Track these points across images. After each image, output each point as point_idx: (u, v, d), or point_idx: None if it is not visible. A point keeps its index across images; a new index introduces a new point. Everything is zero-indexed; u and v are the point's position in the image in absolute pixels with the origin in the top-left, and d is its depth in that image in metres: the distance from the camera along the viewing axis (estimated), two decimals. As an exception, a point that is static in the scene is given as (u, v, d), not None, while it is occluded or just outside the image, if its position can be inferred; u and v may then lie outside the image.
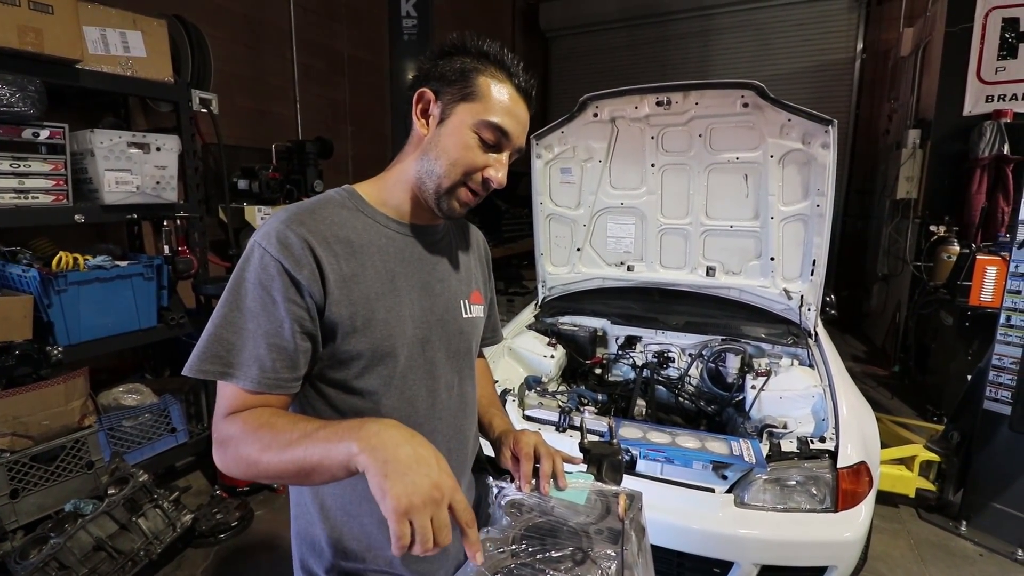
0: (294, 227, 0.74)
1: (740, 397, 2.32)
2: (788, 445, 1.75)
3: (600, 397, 2.45)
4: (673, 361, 2.71)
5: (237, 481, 2.66)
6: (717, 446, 1.71)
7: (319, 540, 0.85)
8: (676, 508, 1.67)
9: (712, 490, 1.70)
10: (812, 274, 2.44)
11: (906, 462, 2.66)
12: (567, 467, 0.90)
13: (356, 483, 0.83)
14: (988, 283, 3.03)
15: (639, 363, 2.72)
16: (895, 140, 5.00)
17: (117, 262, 2.28)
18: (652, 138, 2.56)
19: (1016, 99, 3.74)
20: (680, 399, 2.56)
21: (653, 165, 2.61)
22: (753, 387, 2.17)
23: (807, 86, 6.13)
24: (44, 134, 2.03)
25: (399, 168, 0.86)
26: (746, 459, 1.63)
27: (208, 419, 2.77)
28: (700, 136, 2.47)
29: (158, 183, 2.36)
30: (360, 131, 4.67)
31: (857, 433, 1.79)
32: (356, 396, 0.80)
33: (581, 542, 0.76)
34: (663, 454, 1.70)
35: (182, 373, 0.73)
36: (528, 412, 2.03)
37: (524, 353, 2.58)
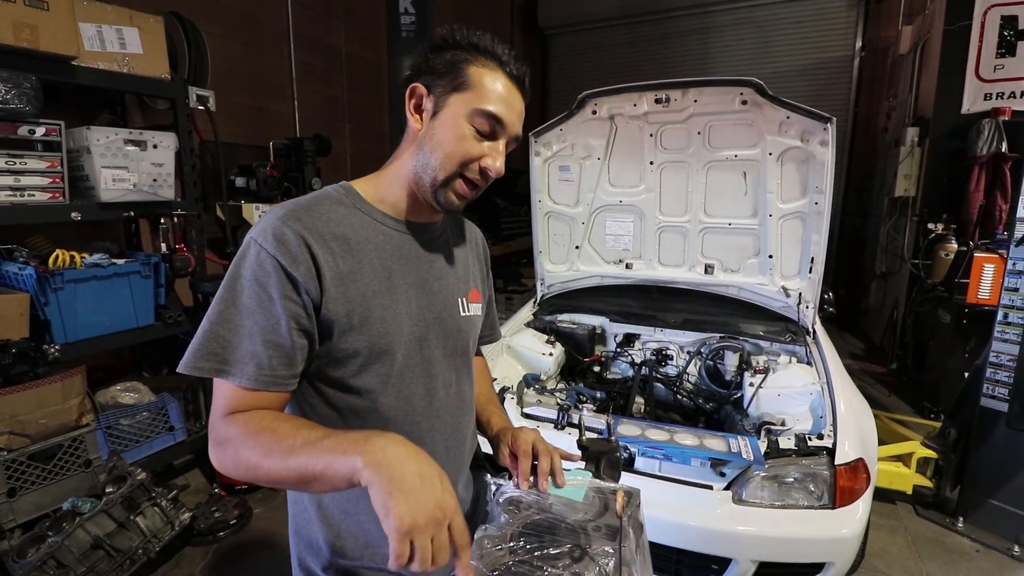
0: (291, 223, 0.74)
1: (738, 394, 2.33)
2: (786, 442, 1.75)
3: (599, 395, 2.45)
4: (672, 359, 2.71)
5: (235, 479, 2.65)
6: (715, 443, 1.71)
7: (317, 538, 0.85)
8: (674, 505, 1.67)
9: (710, 487, 1.70)
10: (810, 272, 2.44)
11: (903, 459, 2.67)
12: (565, 464, 0.90)
13: None
14: (986, 281, 3.04)
15: (638, 361, 2.72)
16: (893, 138, 5.00)
17: (114, 260, 2.27)
18: (651, 135, 2.56)
19: (1015, 97, 3.74)
20: (678, 396, 2.56)
21: (652, 163, 2.61)
22: (751, 384, 2.18)
23: (806, 84, 6.13)
24: (40, 131, 2.02)
25: (395, 165, 0.85)
26: (744, 456, 1.63)
27: (206, 417, 2.75)
28: (699, 133, 2.47)
29: (155, 180, 2.35)
30: (358, 129, 4.66)
31: (855, 430, 1.79)
32: (354, 395, 0.80)
33: (579, 539, 0.76)
34: (661, 451, 1.70)
35: (177, 370, 0.72)
36: (526, 410, 2.03)
37: (523, 351, 2.58)
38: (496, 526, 0.78)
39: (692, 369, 2.64)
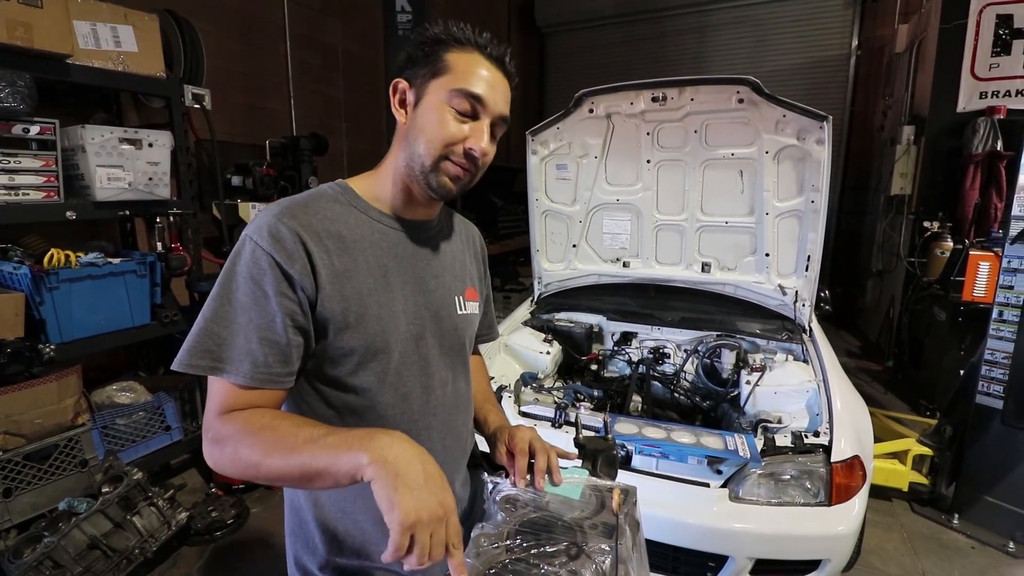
0: (286, 220, 0.74)
1: (735, 392, 2.33)
2: (782, 440, 1.75)
3: (596, 393, 2.46)
4: (669, 357, 2.72)
5: (233, 479, 2.65)
6: (712, 441, 1.71)
7: (313, 537, 0.85)
8: (671, 503, 1.68)
9: (707, 485, 1.71)
10: (807, 270, 2.45)
11: (899, 456, 2.68)
12: (562, 462, 0.90)
13: None
14: (981, 278, 3.05)
15: (635, 359, 2.73)
16: (889, 136, 5.01)
17: (110, 259, 2.26)
18: (648, 134, 2.56)
19: (1009, 95, 3.75)
20: (675, 395, 2.57)
21: (649, 161, 2.61)
22: (748, 382, 2.18)
23: (802, 82, 6.14)
24: (34, 130, 2.01)
25: (388, 162, 0.85)
26: (741, 454, 1.64)
27: (203, 417, 2.75)
28: (696, 132, 2.47)
29: (150, 179, 2.34)
30: (355, 127, 4.64)
31: (851, 427, 1.80)
32: (350, 393, 0.80)
33: (576, 537, 0.76)
34: (658, 449, 1.70)
35: (171, 368, 0.72)
36: (524, 408, 2.03)
37: (520, 349, 2.58)
38: (493, 524, 0.78)
39: (689, 367, 2.64)
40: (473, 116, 0.79)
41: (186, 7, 2.92)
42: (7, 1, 1.84)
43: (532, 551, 0.72)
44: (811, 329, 2.48)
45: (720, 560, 1.66)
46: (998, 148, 3.64)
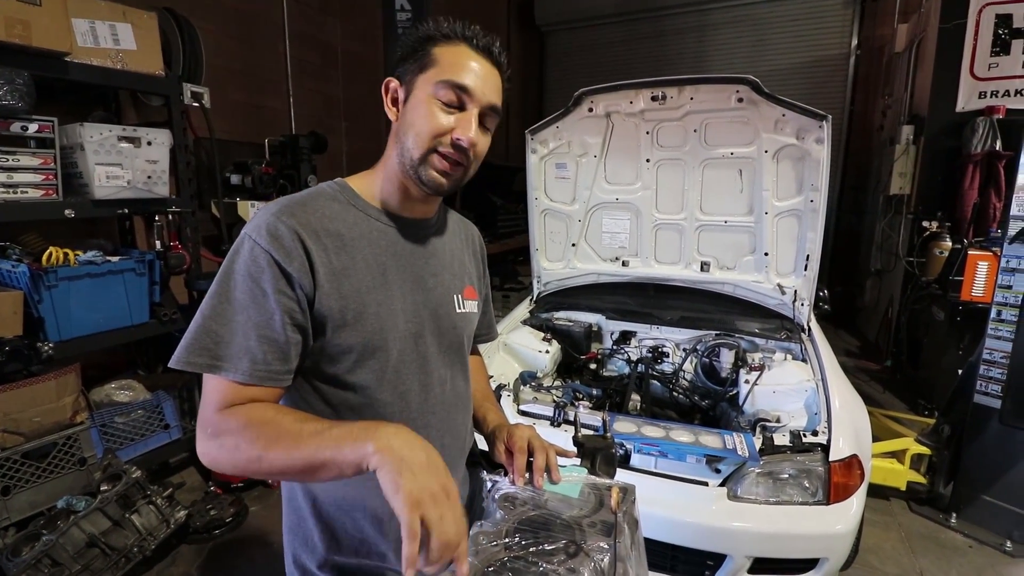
0: (284, 219, 0.74)
1: (734, 391, 2.34)
2: (781, 439, 1.76)
3: (595, 392, 2.46)
4: (667, 356, 2.72)
5: (231, 477, 2.65)
6: (710, 440, 1.72)
7: (312, 535, 0.85)
8: (670, 501, 1.68)
9: (705, 483, 1.71)
10: (806, 269, 2.45)
11: (897, 455, 2.69)
12: (561, 461, 0.90)
13: (348, 480, 0.83)
14: (979, 278, 3.05)
15: (634, 358, 2.73)
16: (889, 136, 5.02)
17: (108, 257, 2.26)
18: (647, 133, 2.56)
19: (1008, 95, 3.76)
20: (674, 394, 2.57)
21: (648, 160, 2.61)
22: (747, 381, 2.18)
23: (802, 82, 6.14)
24: (33, 128, 2.00)
25: (384, 160, 0.85)
26: (739, 453, 1.64)
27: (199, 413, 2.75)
28: (695, 131, 2.47)
29: (149, 177, 2.34)
30: (355, 126, 4.64)
31: (849, 427, 1.80)
32: (349, 391, 0.80)
33: (574, 535, 0.76)
34: (657, 448, 1.71)
35: (168, 365, 0.72)
36: (523, 407, 2.03)
37: (519, 348, 2.58)
38: (491, 522, 0.78)
39: (688, 366, 2.65)
40: (460, 107, 0.78)
41: (185, 5, 2.92)
42: (5, -2, 1.84)
43: (531, 549, 0.72)
44: (810, 328, 2.48)
45: (718, 559, 1.66)
46: (997, 148, 3.64)
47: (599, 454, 0.94)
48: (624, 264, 2.86)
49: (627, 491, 0.85)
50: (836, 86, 6.12)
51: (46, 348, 2.01)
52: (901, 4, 5.41)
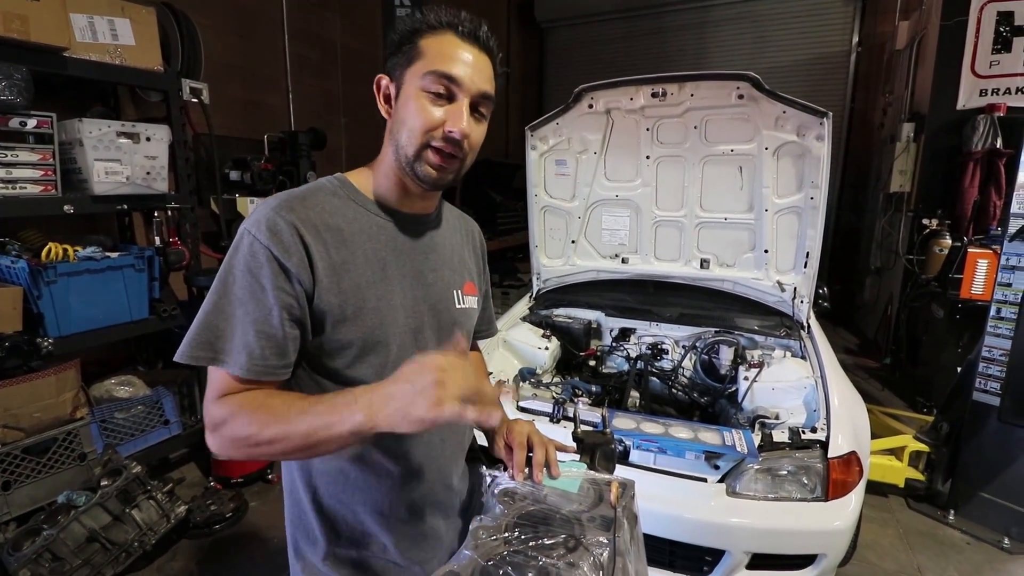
0: (283, 214, 0.74)
1: (733, 388, 2.34)
2: (780, 435, 1.76)
3: (594, 388, 2.46)
4: (667, 353, 2.72)
5: (231, 472, 2.66)
6: (709, 436, 1.72)
7: (312, 527, 0.85)
8: (669, 497, 1.68)
9: (704, 480, 1.71)
10: (805, 266, 2.45)
11: (896, 453, 2.69)
12: (560, 456, 0.90)
13: (348, 472, 0.83)
14: (979, 276, 3.06)
15: (633, 355, 2.73)
16: (889, 133, 5.01)
17: (107, 253, 2.26)
18: (647, 130, 2.55)
19: (1010, 93, 3.75)
20: (673, 390, 2.57)
21: (648, 157, 2.61)
22: (746, 378, 2.19)
23: (802, 79, 6.13)
24: (31, 123, 2.00)
25: (381, 156, 0.85)
26: (738, 449, 1.64)
27: (201, 411, 2.75)
28: (695, 128, 2.47)
29: (148, 173, 2.33)
30: (354, 123, 4.63)
31: (848, 424, 1.80)
32: (349, 386, 0.79)
33: (574, 529, 0.76)
34: (656, 444, 1.71)
35: (173, 359, 0.73)
36: (522, 403, 2.03)
37: (518, 345, 2.58)
38: (491, 517, 0.78)
39: (687, 363, 2.65)
40: (450, 97, 0.77)
41: (183, 0, 2.91)
42: (4, -7, 1.83)
43: (530, 543, 0.73)
44: (809, 326, 2.49)
45: (717, 554, 1.67)
46: (998, 146, 3.63)
47: (598, 450, 0.95)
48: (624, 261, 2.86)
49: (626, 486, 0.86)
50: (837, 83, 6.11)
51: (46, 344, 2.01)
52: (902, 1, 5.39)
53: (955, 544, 2.40)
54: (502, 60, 0.83)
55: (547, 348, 2.57)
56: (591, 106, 2.55)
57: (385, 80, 0.81)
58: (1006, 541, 2.37)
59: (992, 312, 2.42)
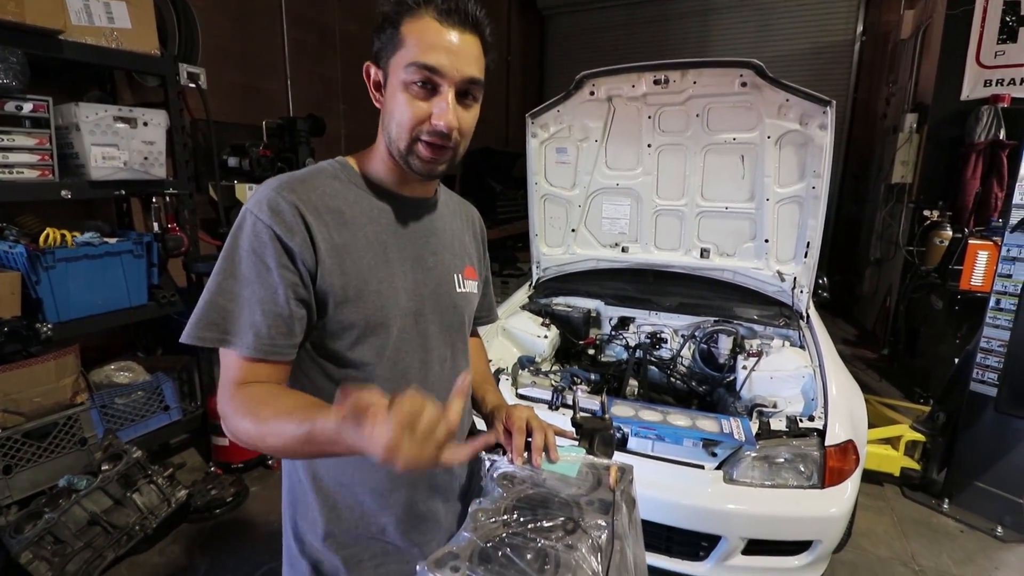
0: (285, 194, 0.74)
1: (731, 377, 2.35)
2: (777, 423, 1.77)
3: (593, 377, 2.47)
4: (666, 342, 2.73)
5: (232, 458, 2.68)
6: (707, 424, 1.73)
7: (311, 509, 0.86)
8: (666, 484, 1.70)
9: (702, 467, 1.72)
10: (806, 256, 2.45)
11: (892, 442, 2.71)
12: (559, 441, 0.90)
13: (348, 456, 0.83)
14: (979, 268, 3.06)
15: (632, 344, 2.74)
16: (892, 124, 4.98)
17: (106, 239, 2.25)
18: (649, 118, 2.53)
19: (1014, 84, 3.72)
20: (672, 379, 2.58)
21: (649, 145, 2.59)
22: (744, 367, 2.20)
23: (806, 68, 6.08)
24: (27, 107, 1.98)
25: (378, 141, 0.84)
26: (736, 437, 1.65)
27: (202, 397, 2.77)
28: (697, 116, 2.45)
29: (146, 159, 2.32)
30: (353, 109, 4.59)
31: (845, 413, 1.81)
32: (350, 367, 0.80)
33: (572, 512, 0.76)
34: (654, 432, 1.72)
35: (180, 340, 0.73)
36: (521, 391, 2.04)
37: (518, 333, 2.59)
38: (490, 500, 0.78)
39: (686, 352, 2.66)
40: (434, 88, 0.74)
41: (180, -17, 2.86)
42: (-3, -27, 1.80)
43: (529, 526, 0.73)
44: (808, 316, 2.49)
45: (713, 540, 1.68)
46: (1001, 137, 3.61)
47: (597, 435, 0.95)
48: (624, 250, 2.85)
49: (625, 471, 0.86)
50: (840, 72, 6.06)
51: (45, 329, 2.01)
52: (908, -10, 5.33)
53: (949, 532, 2.43)
54: (494, 33, 0.79)
55: (546, 336, 2.57)
56: (592, 93, 2.53)
57: (373, 68, 0.80)
58: (999, 529, 2.39)
59: (991, 303, 2.42)
